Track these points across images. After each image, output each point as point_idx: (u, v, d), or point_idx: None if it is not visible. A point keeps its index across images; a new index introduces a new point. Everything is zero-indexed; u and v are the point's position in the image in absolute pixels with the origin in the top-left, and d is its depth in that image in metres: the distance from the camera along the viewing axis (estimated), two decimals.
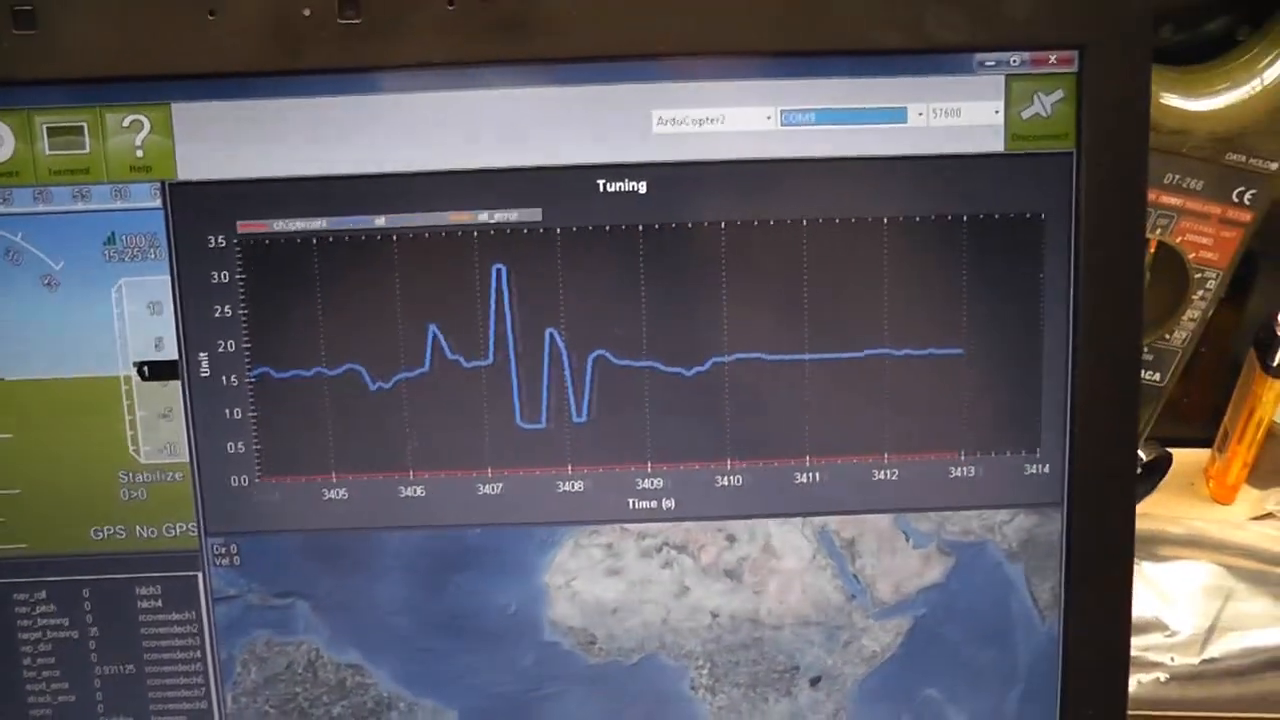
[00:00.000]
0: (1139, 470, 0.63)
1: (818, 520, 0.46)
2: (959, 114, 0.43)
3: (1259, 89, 0.59)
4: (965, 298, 0.44)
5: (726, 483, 0.46)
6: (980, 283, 0.44)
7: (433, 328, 0.44)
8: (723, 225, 0.44)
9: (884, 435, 0.45)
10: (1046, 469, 0.45)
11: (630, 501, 0.46)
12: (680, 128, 0.43)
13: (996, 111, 0.43)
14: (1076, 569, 0.46)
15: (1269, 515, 0.71)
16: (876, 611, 0.47)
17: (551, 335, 0.45)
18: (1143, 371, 0.57)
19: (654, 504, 0.46)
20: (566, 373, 0.45)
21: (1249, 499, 0.74)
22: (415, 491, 0.46)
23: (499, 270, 0.44)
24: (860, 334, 0.45)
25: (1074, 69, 0.43)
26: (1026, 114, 0.43)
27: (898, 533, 0.46)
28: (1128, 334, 0.44)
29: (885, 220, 0.44)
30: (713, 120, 0.43)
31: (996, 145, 0.43)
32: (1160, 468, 0.67)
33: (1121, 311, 0.44)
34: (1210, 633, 0.62)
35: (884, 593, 0.46)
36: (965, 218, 0.44)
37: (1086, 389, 0.44)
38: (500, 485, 0.46)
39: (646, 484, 0.46)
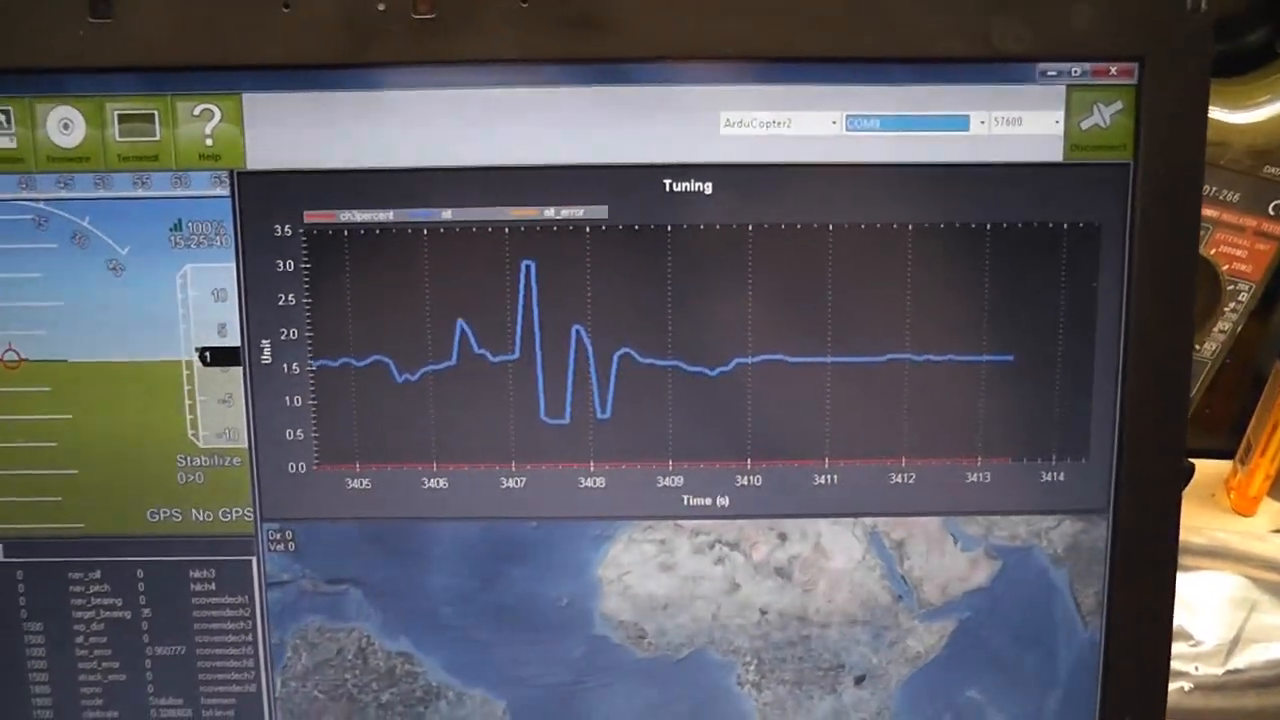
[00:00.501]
0: None
1: (868, 521, 0.46)
2: (1020, 123, 0.43)
3: None
4: (1018, 304, 0.45)
5: (746, 482, 0.46)
6: (1033, 290, 0.45)
7: (461, 322, 0.45)
8: (783, 227, 0.44)
9: (933, 439, 0.46)
10: (1094, 476, 0.46)
11: (663, 498, 0.46)
12: (748, 130, 0.43)
13: (1057, 121, 0.43)
14: (1121, 575, 0.46)
15: None
16: (922, 613, 0.47)
17: (578, 331, 0.45)
18: None
19: (677, 500, 0.46)
20: (591, 369, 0.45)
21: (1270, 511, 0.74)
22: (438, 483, 0.46)
23: (527, 266, 0.45)
24: (912, 339, 0.45)
25: (1134, 81, 0.43)
26: (1086, 124, 0.44)
27: (946, 536, 0.46)
28: (1178, 343, 0.45)
29: (943, 226, 0.44)
30: (780, 123, 0.43)
31: (1055, 155, 0.44)
32: (1183, 478, 0.67)
33: (1173, 321, 0.44)
34: (1235, 644, 0.62)
35: (930, 594, 0.47)
36: (1022, 225, 0.44)
37: (1136, 397, 0.45)
38: (524, 479, 0.46)
39: (667, 481, 0.46)
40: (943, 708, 0.48)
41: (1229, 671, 0.62)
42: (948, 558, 0.46)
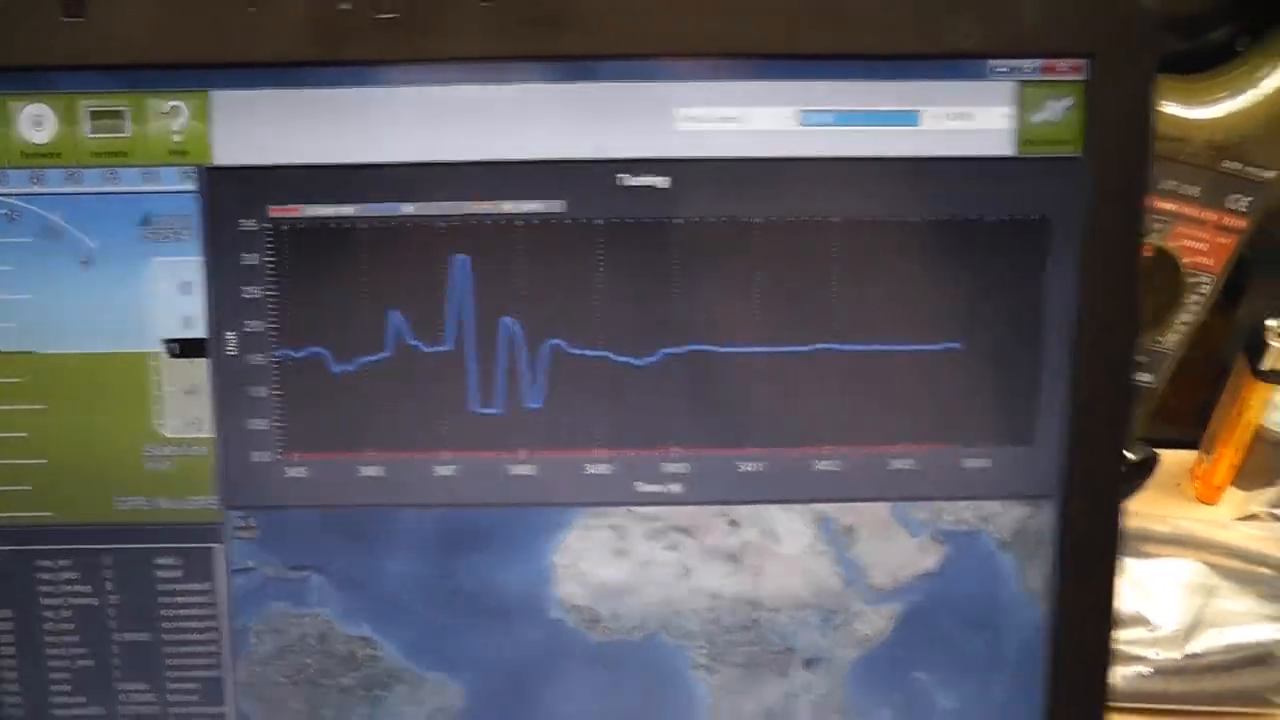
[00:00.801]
0: (1125, 469, 0.64)
1: (817, 507, 0.47)
2: (971, 118, 0.44)
3: (1257, 98, 0.60)
4: (970, 296, 0.45)
5: (678, 469, 0.47)
6: (985, 281, 0.45)
7: (396, 316, 0.46)
8: (738, 221, 0.45)
9: (887, 426, 0.46)
10: (1041, 461, 0.46)
11: (593, 484, 0.47)
12: (703, 125, 0.44)
13: (1008, 116, 0.44)
14: (1066, 560, 0.47)
15: (1253, 516, 0.72)
16: (871, 597, 0.48)
17: (507, 323, 0.46)
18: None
19: (612, 486, 0.47)
20: (522, 360, 0.46)
21: (1233, 500, 0.75)
22: (375, 471, 0.47)
23: (477, 259, 0.45)
24: (866, 329, 0.46)
25: (1084, 76, 0.44)
26: (1036, 119, 0.44)
27: (894, 521, 0.47)
28: (1126, 334, 0.45)
29: (895, 220, 0.45)
30: (734, 119, 0.44)
31: (1006, 149, 0.44)
32: (1147, 468, 0.68)
33: (1120, 312, 0.45)
34: (1193, 629, 0.63)
35: (879, 579, 0.47)
36: (973, 218, 0.45)
37: (1084, 386, 0.45)
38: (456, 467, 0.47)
39: (596, 469, 0.47)
40: (891, 689, 0.49)
41: (1188, 656, 0.62)
42: (895, 543, 0.47)
